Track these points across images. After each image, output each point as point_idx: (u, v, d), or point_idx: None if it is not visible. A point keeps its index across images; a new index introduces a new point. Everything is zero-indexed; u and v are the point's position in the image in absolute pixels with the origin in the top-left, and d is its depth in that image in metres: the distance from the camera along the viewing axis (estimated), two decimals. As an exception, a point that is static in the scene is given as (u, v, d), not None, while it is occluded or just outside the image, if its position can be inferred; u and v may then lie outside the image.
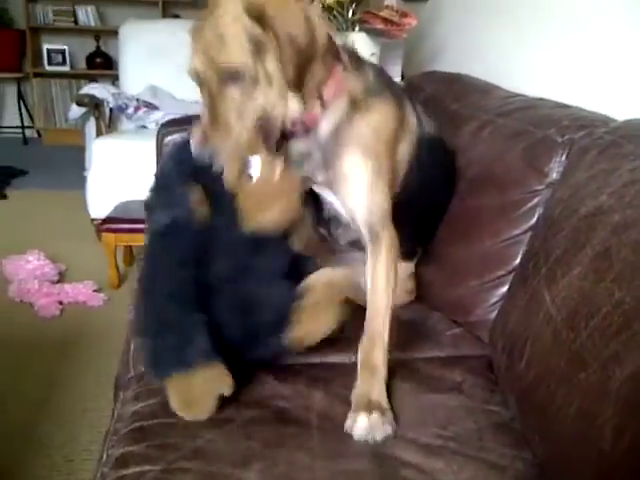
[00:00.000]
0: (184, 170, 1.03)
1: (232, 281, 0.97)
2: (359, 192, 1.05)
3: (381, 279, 1.03)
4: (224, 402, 0.91)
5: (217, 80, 0.90)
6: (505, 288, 1.12)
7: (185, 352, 0.88)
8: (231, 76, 0.89)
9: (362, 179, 1.04)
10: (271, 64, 0.90)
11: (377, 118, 1.05)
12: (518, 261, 1.11)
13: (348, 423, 0.89)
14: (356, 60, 1.07)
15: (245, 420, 0.89)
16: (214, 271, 0.97)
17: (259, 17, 0.87)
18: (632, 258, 0.74)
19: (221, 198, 0.99)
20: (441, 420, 0.92)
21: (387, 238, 1.05)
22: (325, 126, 1.02)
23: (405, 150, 1.14)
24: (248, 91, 0.91)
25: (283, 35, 0.87)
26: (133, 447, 0.83)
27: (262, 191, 0.99)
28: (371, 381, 0.94)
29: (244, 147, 0.94)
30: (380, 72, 1.14)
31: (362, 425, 0.87)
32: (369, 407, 0.89)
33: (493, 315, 1.13)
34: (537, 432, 0.84)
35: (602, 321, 0.74)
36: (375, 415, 0.88)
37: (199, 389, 0.88)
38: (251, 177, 0.99)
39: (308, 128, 1.01)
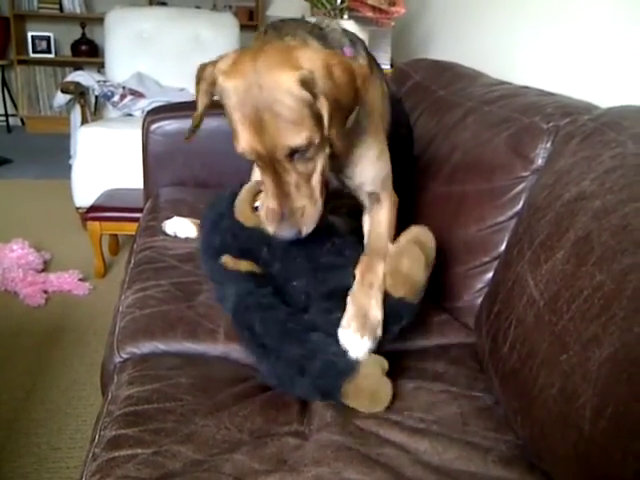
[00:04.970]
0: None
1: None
2: (367, 168, 1.09)
3: (383, 222, 1.09)
4: (220, 390, 0.93)
5: (284, 158, 0.88)
6: (490, 274, 1.13)
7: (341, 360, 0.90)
8: (300, 151, 0.88)
9: (371, 156, 1.09)
10: (326, 129, 0.89)
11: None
12: (503, 247, 1.11)
13: (342, 331, 0.92)
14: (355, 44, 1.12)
15: (239, 407, 0.89)
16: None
17: (311, 88, 0.85)
18: (612, 242, 0.75)
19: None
20: (424, 405, 0.92)
21: (389, 197, 1.12)
22: None
23: (387, 105, 1.21)
24: (313, 158, 0.91)
25: (333, 101, 0.86)
26: (126, 430, 0.83)
27: None
28: (369, 295, 0.95)
29: (322, 210, 0.94)
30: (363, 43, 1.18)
31: (354, 342, 0.91)
32: (364, 326, 0.92)
33: (479, 301, 1.14)
34: (520, 413, 0.85)
35: (583, 304, 0.75)
36: (366, 337, 0.91)
37: (370, 382, 0.90)
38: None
39: None
